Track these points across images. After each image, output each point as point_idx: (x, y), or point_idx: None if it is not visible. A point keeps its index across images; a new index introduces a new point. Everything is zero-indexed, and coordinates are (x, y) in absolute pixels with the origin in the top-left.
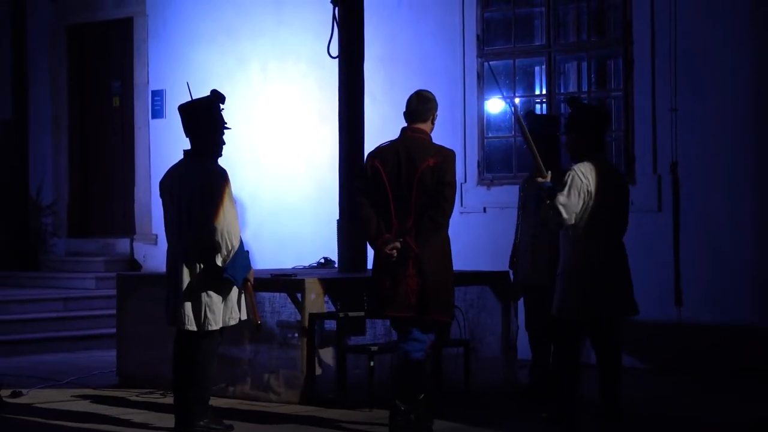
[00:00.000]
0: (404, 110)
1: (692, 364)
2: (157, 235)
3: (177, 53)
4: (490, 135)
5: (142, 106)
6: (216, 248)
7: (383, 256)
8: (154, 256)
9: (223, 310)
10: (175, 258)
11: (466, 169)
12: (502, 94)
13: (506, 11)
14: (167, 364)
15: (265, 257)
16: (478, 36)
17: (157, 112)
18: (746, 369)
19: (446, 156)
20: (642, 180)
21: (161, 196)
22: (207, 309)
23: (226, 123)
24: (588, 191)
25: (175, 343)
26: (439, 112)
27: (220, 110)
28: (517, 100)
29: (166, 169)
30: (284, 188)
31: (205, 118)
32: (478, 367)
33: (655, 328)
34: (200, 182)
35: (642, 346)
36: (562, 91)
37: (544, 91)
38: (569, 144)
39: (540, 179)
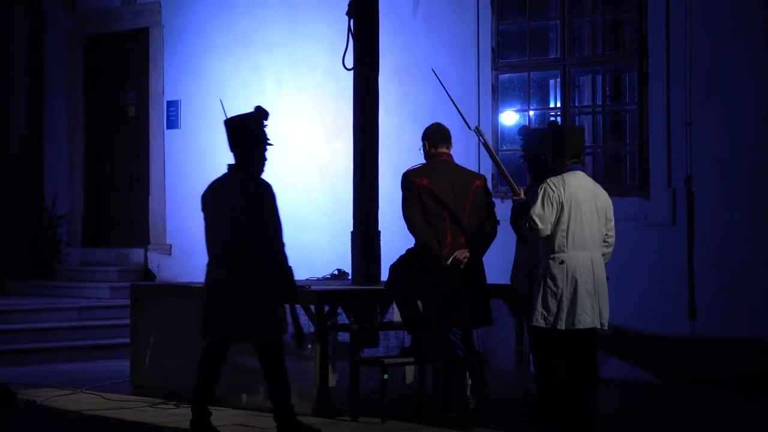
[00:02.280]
0: (427, 136)
1: (705, 378)
2: (171, 246)
3: (192, 63)
4: (504, 148)
5: (157, 116)
6: (264, 260)
7: (450, 265)
8: (168, 266)
9: (276, 321)
10: (217, 269)
11: None
12: (456, 108)
13: (521, 24)
14: (181, 374)
15: None
16: (492, 48)
17: (172, 123)
18: (760, 383)
19: (485, 179)
20: (656, 193)
21: (203, 208)
22: (262, 319)
23: (269, 139)
24: (560, 202)
25: (205, 355)
26: (456, 124)
27: (263, 126)
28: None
29: (184, 179)
30: (298, 199)
31: (249, 134)
32: (491, 379)
33: (668, 341)
34: (248, 194)
35: (655, 360)
36: (576, 104)
37: (558, 104)
38: (529, 171)
39: (514, 197)
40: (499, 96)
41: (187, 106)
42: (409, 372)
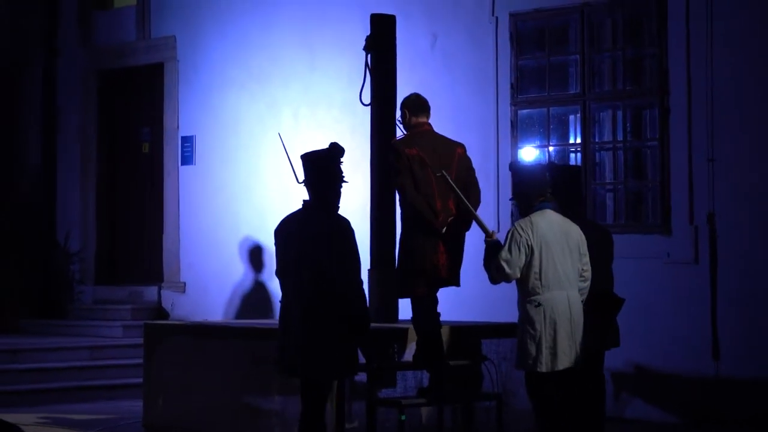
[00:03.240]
0: (407, 105)
1: (729, 417)
2: (185, 284)
3: (207, 99)
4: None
5: (171, 152)
6: (344, 297)
7: (441, 232)
8: (182, 304)
9: (350, 360)
10: (293, 306)
11: (499, 220)
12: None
13: (540, 59)
14: (194, 414)
15: None
16: (511, 84)
17: (187, 159)
18: None
19: (465, 147)
20: (678, 231)
21: (277, 244)
22: (338, 357)
23: (344, 176)
24: (528, 245)
25: (304, 397)
26: (472, 159)
27: (339, 163)
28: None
29: (198, 216)
30: None
31: (326, 171)
32: (510, 420)
33: (691, 381)
34: (328, 231)
35: (678, 399)
36: (597, 140)
37: (578, 140)
38: (519, 210)
39: (486, 239)
40: (518, 131)
41: (202, 141)
42: (428, 412)
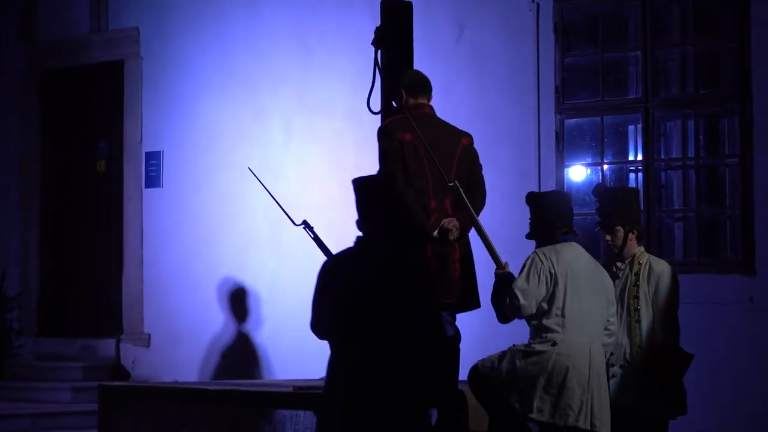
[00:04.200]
0: (405, 84)
1: None
2: (149, 335)
3: (178, 106)
4: (573, 211)
5: (133, 171)
6: (421, 351)
7: (438, 237)
8: (146, 361)
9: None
10: (354, 365)
11: None
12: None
13: (592, 56)
14: None
15: (286, 364)
16: (556, 87)
17: (153, 180)
18: None
19: (472, 138)
20: (764, 270)
21: (325, 291)
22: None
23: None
24: (551, 274)
25: None
26: (507, 182)
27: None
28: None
29: (167, 251)
30: (311, 276)
31: (384, 201)
32: None
33: None
34: (400, 274)
35: None
36: (662, 156)
37: (639, 157)
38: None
39: (498, 271)
40: (565, 146)
41: (171, 159)
42: None
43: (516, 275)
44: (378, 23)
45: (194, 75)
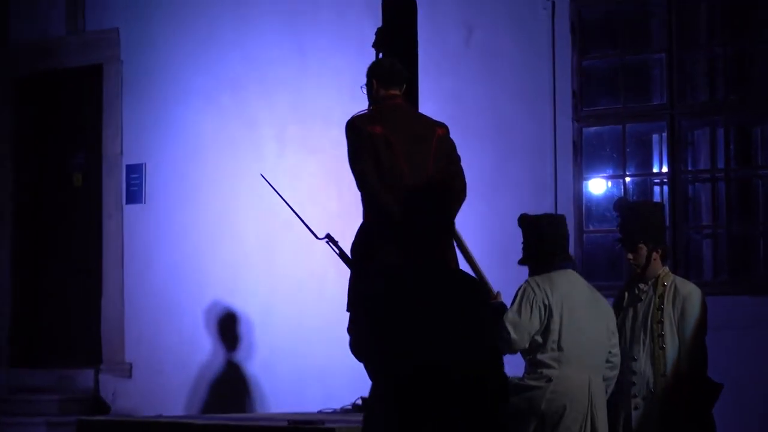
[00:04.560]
0: (377, 73)
1: None
2: (131, 365)
3: (162, 114)
4: (590, 228)
5: (113, 186)
6: (498, 392)
7: None
8: (127, 392)
9: None
10: (420, 402)
11: None
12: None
13: (612, 59)
14: None
15: (281, 395)
16: (573, 93)
17: (134, 195)
18: None
19: (448, 128)
20: None
21: (375, 312)
22: None
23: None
24: (545, 305)
25: None
26: (520, 196)
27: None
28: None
29: (149, 273)
30: (307, 302)
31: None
32: None
33: None
34: (469, 295)
35: None
36: (689, 167)
37: (664, 169)
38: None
39: (492, 301)
40: (583, 157)
41: (154, 172)
42: None
43: (509, 305)
44: (379, 24)
45: (180, 81)
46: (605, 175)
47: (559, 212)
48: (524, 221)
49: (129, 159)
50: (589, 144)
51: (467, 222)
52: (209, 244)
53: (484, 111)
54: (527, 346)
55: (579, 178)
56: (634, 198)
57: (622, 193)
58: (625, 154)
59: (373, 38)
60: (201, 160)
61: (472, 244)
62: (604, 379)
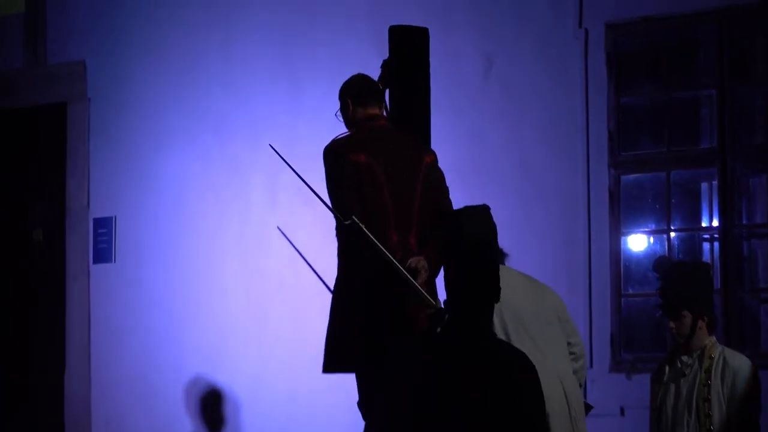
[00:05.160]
0: (350, 91)
1: None
2: None
3: (135, 160)
4: (630, 291)
5: (78, 242)
6: None
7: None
8: None
9: None
10: None
11: (592, 346)
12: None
13: (655, 94)
14: None
15: None
16: (610, 134)
17: (103, 253)
18: None
19: (436, 154)
20: None
21: (392, 405)
22: None
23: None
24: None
25: None
26: (548, 253)
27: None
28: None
29: (120, 342)
30: (302, 375)
31: (482, 256)
32: None
33: None
34: (507, 376)
35: None
36: (744, 221)
37: (714, 223)
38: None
39: (428, 311)
40: (621, 208)
41: (126, 226)
42: None
43: None
44: (385, 55)
45: (156, 121)
46: (646, 229)
47: (593, 272)
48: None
49: (97, 211)
50: (627, 193)
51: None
52: (190, 309)
53: (507, 154)
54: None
55: (616, 232)
56: (679, 256)
57: (665, 251)
58: (670, 206)
59: (378, 72)
60: (180, 212)
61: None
62: (574, 373)
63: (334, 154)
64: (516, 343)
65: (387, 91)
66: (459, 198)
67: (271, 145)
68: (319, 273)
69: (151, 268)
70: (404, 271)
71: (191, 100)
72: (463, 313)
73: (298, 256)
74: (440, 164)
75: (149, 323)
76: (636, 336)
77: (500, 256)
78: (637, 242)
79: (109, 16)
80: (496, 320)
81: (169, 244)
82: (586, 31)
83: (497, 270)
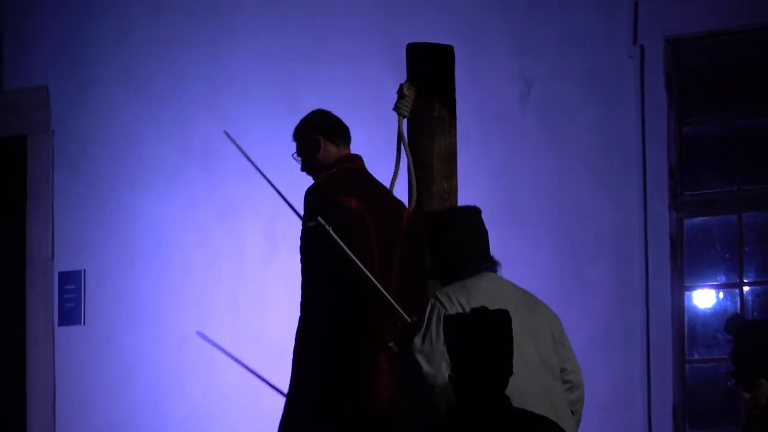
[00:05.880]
0: (319, 126)
1: None
2: None
3: (108, 202)
4: (696, 356)
5: (41, 300)
6: None
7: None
8: None
9: None
10: None
11: (651, 421)
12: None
13: (724, 123)
14: None
15: None
16: (671, 169)
17: (70, 314)
18: None
19: (408, 209)
20: None
21: None
22: None
23: None
24: None
25: None
26: (598, 311)
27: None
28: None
29: (89, 416)
30: None
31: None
32: None
33: None
34: None
35: None
36: None
37: None
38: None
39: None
40: (685, 257)
41: (97, 282)
42: None
43: None
44: (402, 77)
45: (130, 156)
46: (715, 282)
47: (652, 333)
48: (427, 221)
49: (62, 264)
50: (692, 240)
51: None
52: (173, 378)
53: (547, 193)
54: (442, 379)
55: (679, 286)
56: (754, 314)
57: (737, 308)
58: (742, 254)
59: (394, 97)
60: (161, 264)
61: None
62: (570, 403)
63: (321, 196)
64: None
65: (405, 121)
66: (494, 247)
67: (225, 132)
68: None
69: (128, 331)
70: (375, 281)
71: (173, 131)
72: (483, 384)
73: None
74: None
75: (125, 394)
76: (703, 409)
77: (492, 264)
78: (704, 298)
79: (77, 34)
80: None
81: (148, 302)
82: (642, 47)
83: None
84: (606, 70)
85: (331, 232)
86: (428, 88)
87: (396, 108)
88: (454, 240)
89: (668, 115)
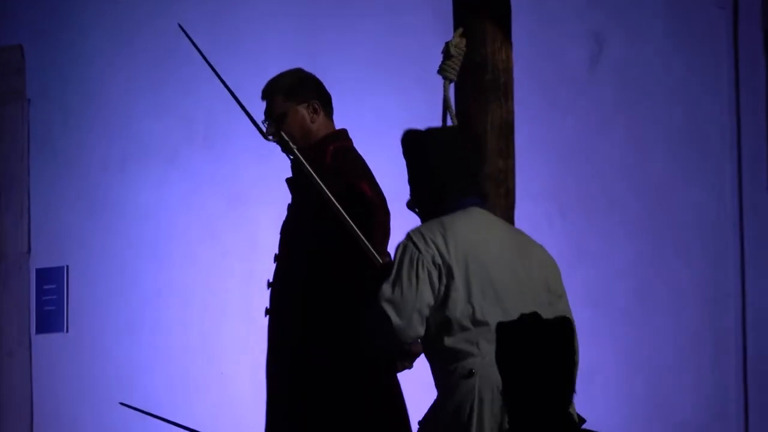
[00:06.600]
0: (317, 90)
1: None
2: None
3: (94, 185)
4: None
5: (15, 302)
6: None
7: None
8: None
9: None
10: None
11: None
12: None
13: None
14: None
15: None
16: None
17: (49, 318)
18: None
19: None
20: None
21: None
22: None
23: None
24: (436, 266)
25: None
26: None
27: None
28: None
29: None
30: None
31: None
32: None
33: None
34: None
35: None
36: None
37: None
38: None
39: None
40: None
41: (82, 280)
42: None
43: None
44: (448, 32)
45: (120, 129)
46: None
47: (750, 338)
48: (407, 141)
49: (41, 259)
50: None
51: (605, 343)
52: (175, 393)
53: (623, 173)
54: (422, 331)
55: None
56: None
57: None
58: None
59: (436, 54)
60: (160, 259)
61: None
62: None
63: (366, 200)
64: (481, 312)
65: (451, 86)
66: (558, 239)
67: (179, 25)
68: None
69: (119, 339)
70: (349, 219)
71: (172, 102)
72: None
73: None
74: (528, 188)
75: (117, 415)
76: None
77: (476, 197)
78: None
79: None
80: (457, 274)
81: (143, 304)
82: (737, 2)
83: None
84: (690, 26)
85: (294, 147)
86: (479, 42)
87: (441, 70)
88: (432, 165)
89: (766, 81)
